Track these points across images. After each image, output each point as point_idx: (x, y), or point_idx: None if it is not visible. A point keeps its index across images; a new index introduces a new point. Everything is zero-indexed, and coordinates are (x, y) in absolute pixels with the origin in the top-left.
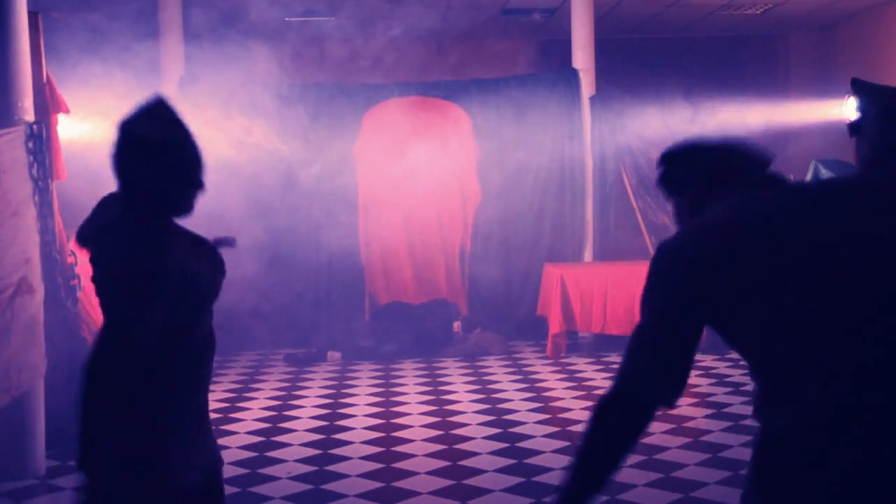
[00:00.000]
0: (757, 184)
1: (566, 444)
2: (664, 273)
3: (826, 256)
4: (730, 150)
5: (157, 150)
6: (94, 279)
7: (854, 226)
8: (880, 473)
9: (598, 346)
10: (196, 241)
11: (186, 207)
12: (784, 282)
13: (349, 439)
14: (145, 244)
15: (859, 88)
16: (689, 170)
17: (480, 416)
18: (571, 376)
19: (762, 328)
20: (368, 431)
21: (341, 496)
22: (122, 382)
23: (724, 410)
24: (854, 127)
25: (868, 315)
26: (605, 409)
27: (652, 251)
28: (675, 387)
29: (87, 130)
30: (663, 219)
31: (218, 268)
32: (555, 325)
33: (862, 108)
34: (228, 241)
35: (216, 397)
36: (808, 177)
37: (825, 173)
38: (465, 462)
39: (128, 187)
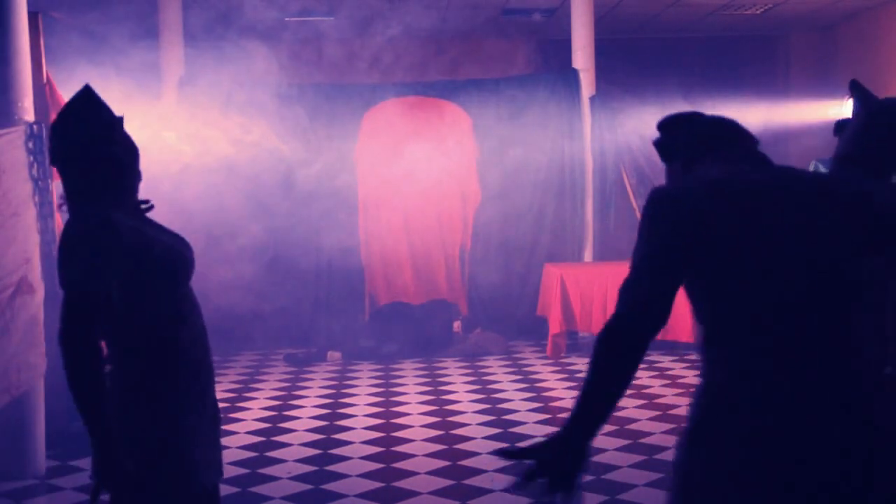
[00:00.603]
0: (744, 157)
1: None
2: (658, 220)
3: (780, 233)
4: (723, 122)
5: (91, 142)
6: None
7: (809, 213)
8: (794, 424)
9: None
10: (153, 222)
11: (128, 191)
12: (751, 243)
13: (349, 439)
14: (86, 218)
15: (856, 91)
16: (685, 136)
17: (480, 416)
18: (571, 376)
19: (723, 280)
20: (368, 431)
21: (341, 496)
22: (128, 382)
23: None
24: (840, 125)
25: (796, 286)
26: (605, 339)
27: None
28: (661, 318)
29: None
30: None
31: (186, 244)
32: (555, 325)
33: (855, 110)
34: None
35: (216, 397)
36: None
37: (825, 172)
38: (465, 462)
39: (70, 183)
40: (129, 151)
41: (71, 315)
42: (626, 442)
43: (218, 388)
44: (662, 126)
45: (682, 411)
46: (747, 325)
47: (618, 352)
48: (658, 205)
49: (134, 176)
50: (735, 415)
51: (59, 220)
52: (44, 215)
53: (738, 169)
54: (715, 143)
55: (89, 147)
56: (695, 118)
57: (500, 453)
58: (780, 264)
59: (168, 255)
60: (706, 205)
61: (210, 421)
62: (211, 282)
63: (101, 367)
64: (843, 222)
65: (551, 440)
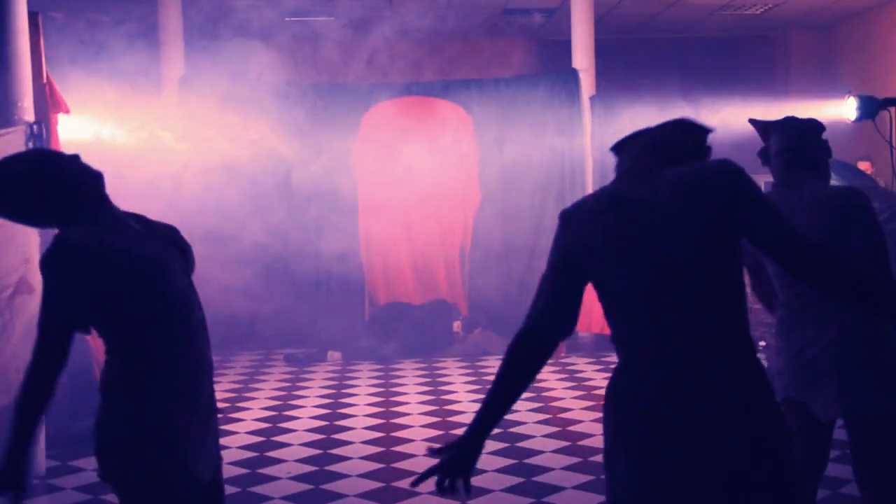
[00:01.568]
0: (634, 169)
1: (566, 444)
2: (556, 235)
3: (625, 238)
4: (665, 131)
5: (25, 190)
6: None
7: (651, 217)
8: (657, 408)
9: (598, 346)
10: (147, 225)
11: (90, 199)
12: (607, 250)
13: (349, 439)
14: (51, 246)
15: (756, 125)
16: (624, 155)
17: None
18: (571, 376)
19: (599, 284)
20: (368, 431)
21: (341, 496)
22: (127, 383)
23: None
24: (763, 155)
25: (644, 284)
26: (516, 343)
27: None
28: (567, 321)
29: (87, 130)
30: None
31: (175, 245)
32: None
33: (765, 139)
34: None
35: (216, 397)
36: None
37: None
38: None
39: (32, 220)
40: (71, 179)
41: (44, 332)
42: None
43: (218, 388)
44: (613, 149)
45: None
46: (622, 320)
47: (524, 354)
48: (559, 225)
49: (87, 194)
50: (619, 398)
51: None
52: None
53: (619, 183)
54: (631, 160)
55: (35, 194)
56: (636, 137)
57: (429, 451)
58: (629, 266)
59: (139, 265)
60: (576, 221)
61: (203, 418)
62: (211, 282)
63: (55, 383)
64: (684, 222)
65: (458, 439)
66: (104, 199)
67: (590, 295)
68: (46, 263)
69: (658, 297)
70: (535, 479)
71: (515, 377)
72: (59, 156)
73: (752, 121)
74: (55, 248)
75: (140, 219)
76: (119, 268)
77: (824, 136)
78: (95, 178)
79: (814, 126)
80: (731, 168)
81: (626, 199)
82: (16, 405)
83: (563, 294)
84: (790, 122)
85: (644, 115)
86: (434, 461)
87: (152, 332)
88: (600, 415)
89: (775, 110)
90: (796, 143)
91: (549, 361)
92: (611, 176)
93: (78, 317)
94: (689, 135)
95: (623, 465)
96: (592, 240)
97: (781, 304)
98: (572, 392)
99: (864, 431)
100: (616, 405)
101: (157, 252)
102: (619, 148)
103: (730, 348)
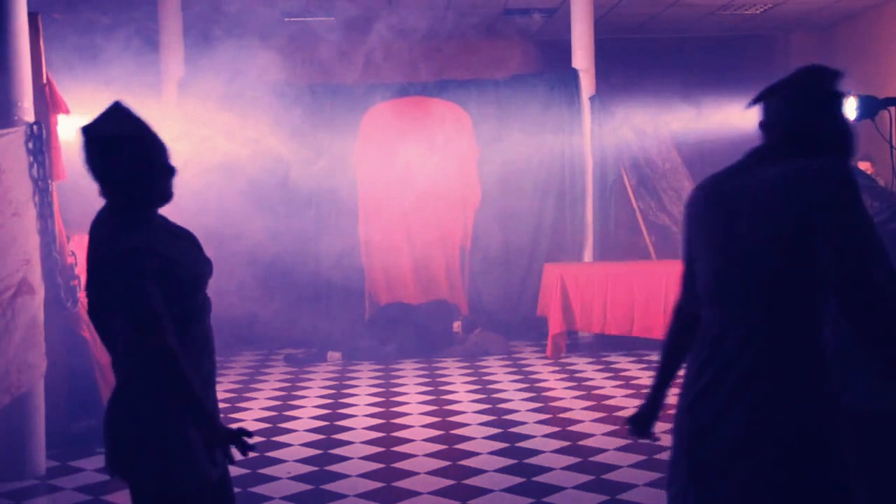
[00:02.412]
0: (744, 158)
1: (566, 444)
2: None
3: (708, 231)
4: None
5: (120, 145)
6: (88, 271)
7: (733, 214)
8: (707, 399)
9: (598, 346)
10: (176, 230)
11: (163, 193)
12: (694, 239)
13: (349, 439)
14: (129, 233)
15: (759, 97)
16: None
17: (480, 416)
18: (571, 376)
19: (696, 269)
20: (368, 431)
21: (341, 496)
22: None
23: None
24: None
25: (710, 277)
26: (671, 321)
27: (652, 251)
28: (695, 296)
29: None
30: (663, 219)
31: (201, 252)
32: (555, 325)
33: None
34: None
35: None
36: None
37: None
38: (465, 462)
39: (104, 185)
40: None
41: (149, 329)
42: (626, 442)
43: (218, 388)
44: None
45: None
46: (702, 303)
47: (676, 329)
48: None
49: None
50: (685, 376)
51: (60, 220)
52: (44, 215)
53: (740, 164)
54: (769, 137)
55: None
56: (779, 92)
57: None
58: (708, 255)
59: (187, 276)
60: (690, 203)
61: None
62: (210, 283)
63: (180, 357)
64: (758, 229)
65: (641, 406)
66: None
67: (590, 295)
68: (119, 260)
69: (724, 290)
70: (535, 479)
71: (675, 349)
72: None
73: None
74: (126, 250)
75: (167, 222)
76: (169, 276)
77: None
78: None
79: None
80: (830, 179)
81: (726, 189)
82: (179, 397)
83: (689, 274)
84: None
85: (644, 114)
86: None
87: (183, 335)
88: (600, 415)
89: None
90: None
91: (549, 361)
92: (610, 176)
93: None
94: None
95: (672, 446)
96: (692, 224)
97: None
98: (572, 392)
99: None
100: (684, 381)
101: (200, 265)
102: (764, 98)
103: (782, 355)
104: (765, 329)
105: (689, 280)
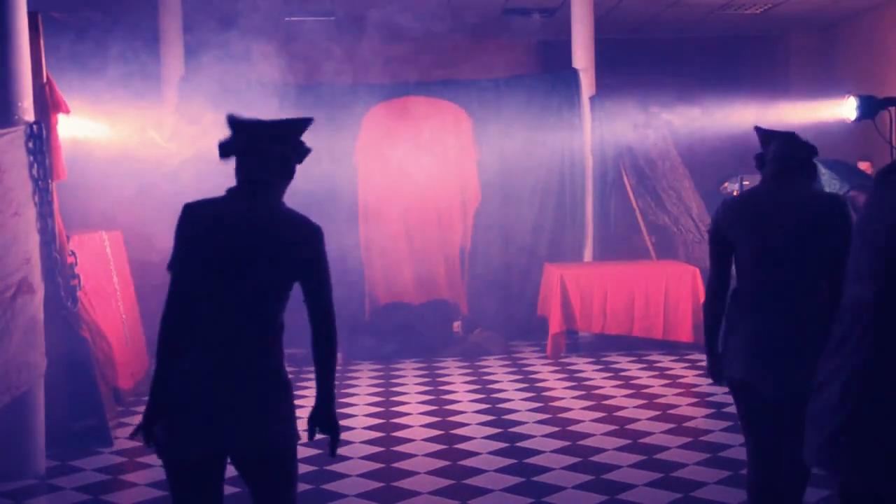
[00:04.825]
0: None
1: (566, 444)
2: (713, 220)
3: (756, 229)
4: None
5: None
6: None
7: (767, 214)
8: (767, 336)
9: (598, 346)
10: (280, 215)
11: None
12: (740, 238)
13: (349, 439)
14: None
15: (761, 133)
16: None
17: (480, 416)
18: (571, 376)
19: (741, 254)
20: (368, 431)
21: (341, 496)
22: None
23: (724, 410)
24: (759, 160)
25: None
26: (705, 304)
27: (652, 251)
28: (724, 287)
29: (87, 130)
30: (663, 219)
31: (272, 236)
32: (555, 325)
33: (764, 147)
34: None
35: None
36: None
37: (825, 173)
38: (465, 462)
39: (291, 172)
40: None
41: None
42: (625, 442)
43: None
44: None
45: (683, 411)
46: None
47: (705, 308)
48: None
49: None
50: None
51: (60, 220)
52: (44, 215)
53: (766, 185)
54: (777, 164)
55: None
56: (781, 136)
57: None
58: (753, 245)
59: (225, 254)
60: (728, 208)
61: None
62: None
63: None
64: (797, 230)
65: (708, 360)
66: None
67: (590, 295)
68: (321, 237)
69: (768, 266)
70: (535, 479)
71: (713, 322)
72: None
73: (757, 128)
74: (319, 228)
75: None
76: None
77: (824, 137)
78: None
79: (810, 147)
80: (841, 211)
81: (762, 200)
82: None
83: (713, 265)
84: (791, 136)
85: (644, 114)
86: None
87: None
88: (600, 415)
89: (775, 110)
90: (792, 152)
91: (549, 361)
92: (610, 175)
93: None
94: (807, 151)
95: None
96: (738, 222)
97: (741, 289)
98: (572, 392)
99: (799, 411)
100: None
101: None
102: (765, 138)
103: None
104: (802, 298)
105: (715, 269)
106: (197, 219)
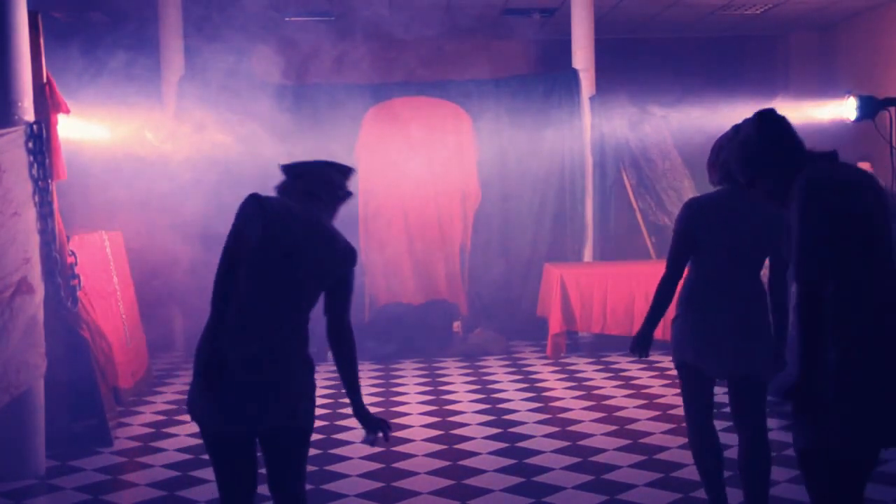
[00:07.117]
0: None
1: (566, 444)
2: (678, 220)
3: (717, 228)
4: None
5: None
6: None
7: (726, 215)
8: (714, 324)
9: (598, 346)
10: (316, 225)
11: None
12: (703, 237)
13: (349, 439)
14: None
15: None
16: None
17: (480, 416)
18: (571, 376)
19: (704, 250)
20: None
21: (341, 496)
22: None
23: (724, 410)
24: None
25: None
26: (661, 284)
27: (652, 251)
28: (679, 277)
29: (87, 130)
30: (663, 219)
31: (323, 249)
32: (555, 325)
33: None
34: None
35: None
36: None
37: None
38: (465, 462)
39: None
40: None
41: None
42: (626, 442)
43: None
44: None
45: (682, 411)
46: (706, 267)
47: (661, 289)
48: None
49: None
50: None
51: (59, 220)
52: (44, 215)
53: (729, 188)
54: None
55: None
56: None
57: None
58: (719, 244)
59: (286, 252)
60: (695, 208)
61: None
62: (210, 283)
63: None
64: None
65: (638, 331)
66: None
67: (590, 295)
68: (356, 259)
69: (722, 262)
70: (535, 479)
71: (664, 301)
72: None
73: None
74: (355, 250)
75: None
76: None
77: (824, 137)
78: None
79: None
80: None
81: (723, 203)
82: (352, 373)
83: (680, 257)
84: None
85: (644, 114)
86: None
87: None
88: (600, 415)
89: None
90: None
91: (549, 361)
92: (610, 175)
93: None
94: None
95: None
96: (705, 222)
97: (694, 280)
98: (572, 392)
99: (743, 390)
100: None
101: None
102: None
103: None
104: (749, 285)
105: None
106: (270, 215)
